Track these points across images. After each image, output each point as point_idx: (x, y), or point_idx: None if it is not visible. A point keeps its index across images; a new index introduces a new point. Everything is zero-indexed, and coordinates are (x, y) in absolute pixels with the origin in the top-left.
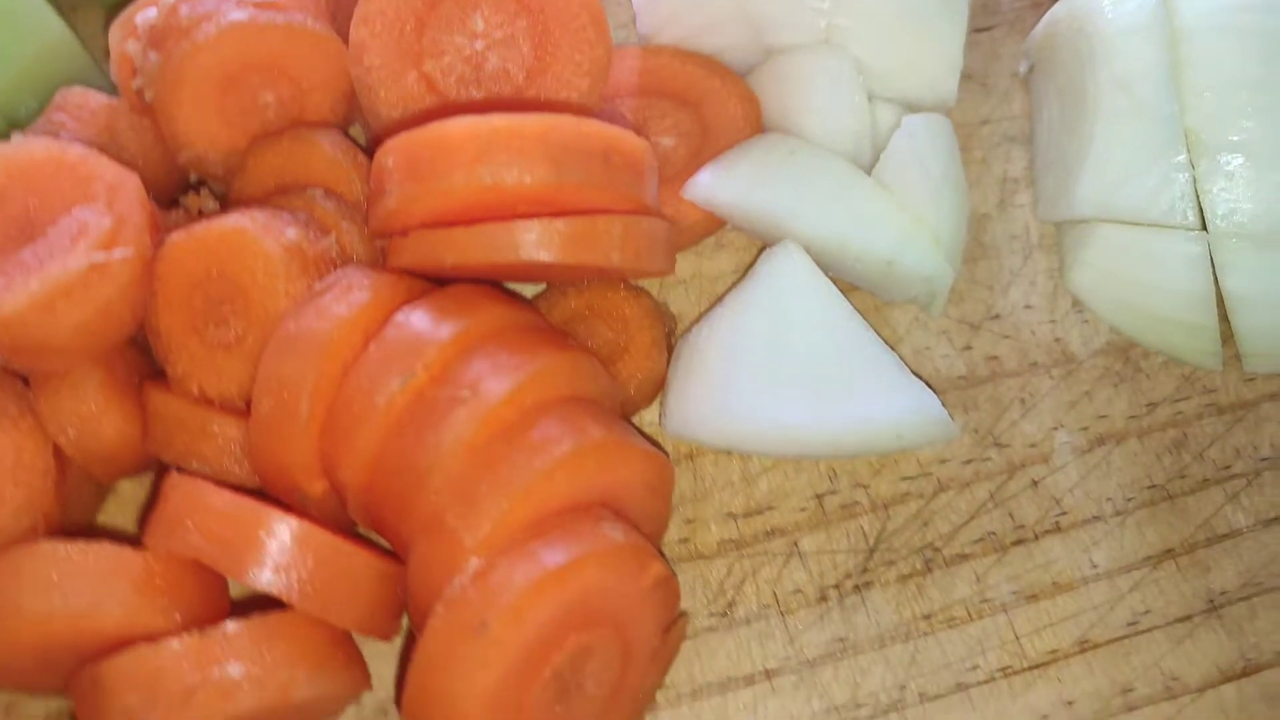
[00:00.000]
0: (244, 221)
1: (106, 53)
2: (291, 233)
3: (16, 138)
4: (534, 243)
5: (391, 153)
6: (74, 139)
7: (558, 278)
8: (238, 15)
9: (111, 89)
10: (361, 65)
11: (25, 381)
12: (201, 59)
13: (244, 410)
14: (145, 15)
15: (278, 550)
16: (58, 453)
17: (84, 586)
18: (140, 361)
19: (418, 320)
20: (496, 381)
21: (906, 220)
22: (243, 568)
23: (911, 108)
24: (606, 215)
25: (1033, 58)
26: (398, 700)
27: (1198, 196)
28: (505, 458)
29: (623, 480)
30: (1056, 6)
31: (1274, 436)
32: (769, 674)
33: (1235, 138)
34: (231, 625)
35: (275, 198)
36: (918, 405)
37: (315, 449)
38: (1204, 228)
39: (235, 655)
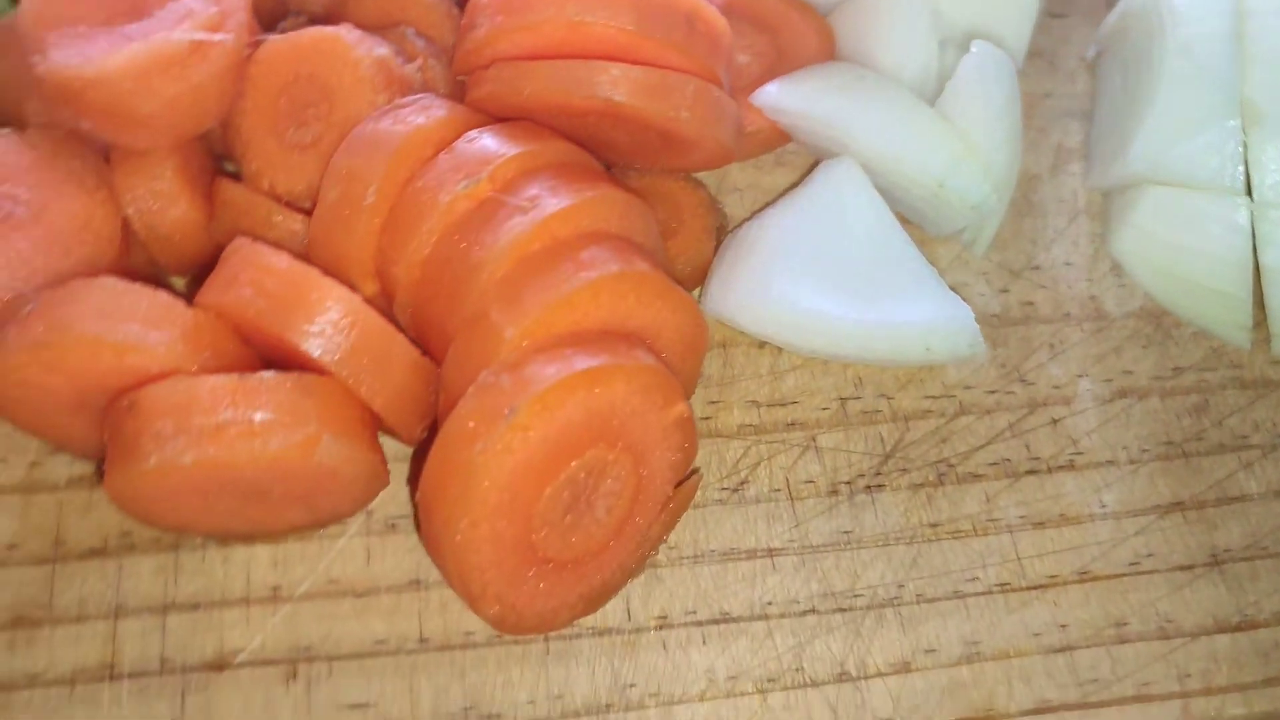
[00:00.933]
0: (340, 31)
1: None
2: (382, 50)
3: None
4: (610, 81)
5: None
6: None
7: (624, 146)
8: None
9: None
10: None
11: (106, 159)
12: None
13: (309, 210)
14: None
15: (326, 315)
16: (125, 229)
17: (136, 321)
18: (206, 161)
19: (488, 138)
20: (555, 199)
21: (961, 146)
22: (291, 325)
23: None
24: (681, 74)
25: (1102, 44)
26: (412, 482)
27: (1247, 164)
28: (554, 267)
29: (661, 322)
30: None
31: None
32: (771, 552)
33: None
34: (269, 374)
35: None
36: (950, 315)
37: (374, 244)
38: (1250, 195)
39: (269, 400)
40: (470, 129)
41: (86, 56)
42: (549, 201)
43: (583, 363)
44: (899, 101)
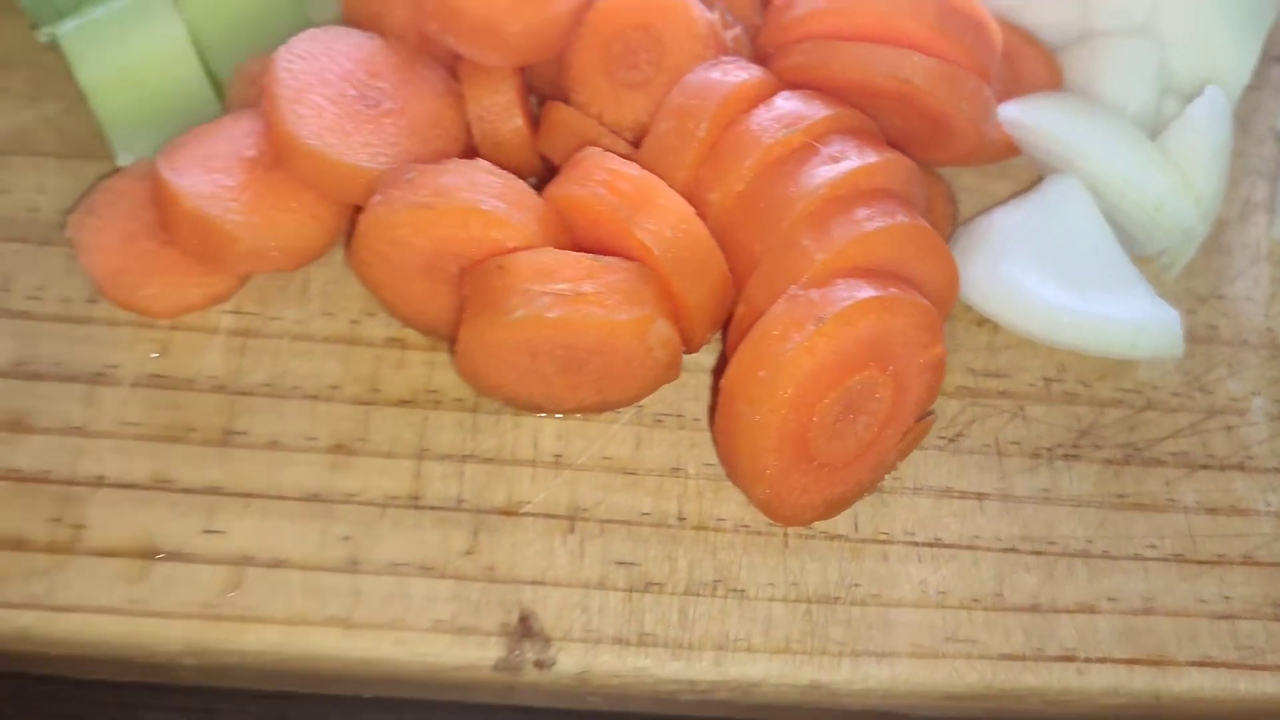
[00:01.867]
0: None
1: None
2: (712, 13)
3: None
4: (910, 66)
5: None
6: None
7: (895, 131)
8: None
9: None
10: None
11: (452, 73)
12: None
13: (627, 139)
14: None
15: (666, 218)
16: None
17: (503, 200)
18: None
19: (802, 100)
20: (859, 156)
21: (1179, 177)
22: (637, 221)
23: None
24: (966, 70)
25: None
26: (717, 374)
27: None
28: (855, 209)
29: (927, 274)
30: None
31: None
32: (980, 496)
33: None
34: (616, 259)
35: None
36: (1157, 316)
37: (694, 172)
38: None
39: (618, 278)
40: (779, 91)
41: None
42: (855, 156)
43: (877, 290)
44: (1126, 132)
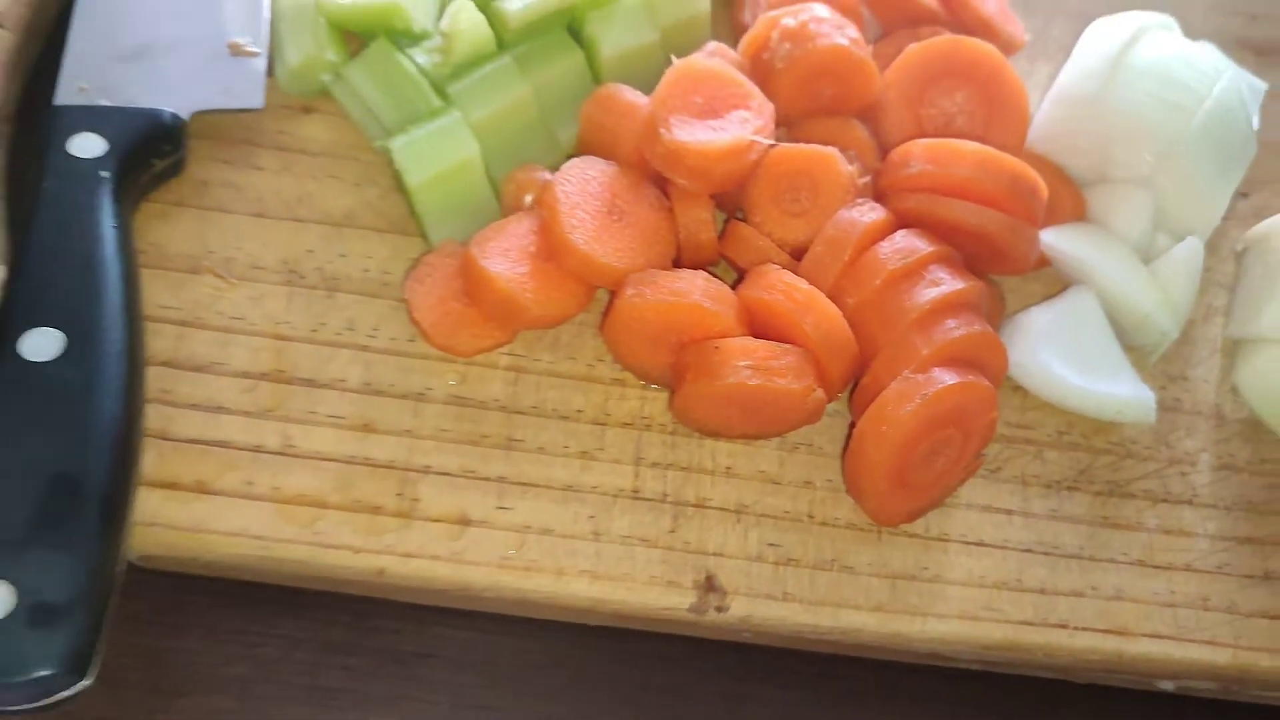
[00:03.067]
0: (827, 151)
1: None
2: (851, 166)
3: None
4: (993, 220)
5: (915, 148)
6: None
7: (967, 251)
8: (842, 41)
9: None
10: (886, 95)
11: (664, 192)
12: (809, 59)
13: (791, 253)
14: (787, 21)
15: (822, 317)
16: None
17: (714, 298)
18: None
19: (915, 236)
20: (952, 281)
21: (1164, 296)
22: (802, 318)
23: (1174, 237)
24: (1025, 221)
25: (1248, 243)
26: (855, 408)
27: None
28: (948, 319)
29: (991, 361)
30: (1269, 221)
31: None
32: (1009, 512)
33: None
34: (790, 346)
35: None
36: (1139, 394)
37: (836, 283)
38: None
39: (794, 360)
40: (896, 228)
41: (695, 138)
42: (949, 281)
43: (959, 378)
44: (1128, 259)
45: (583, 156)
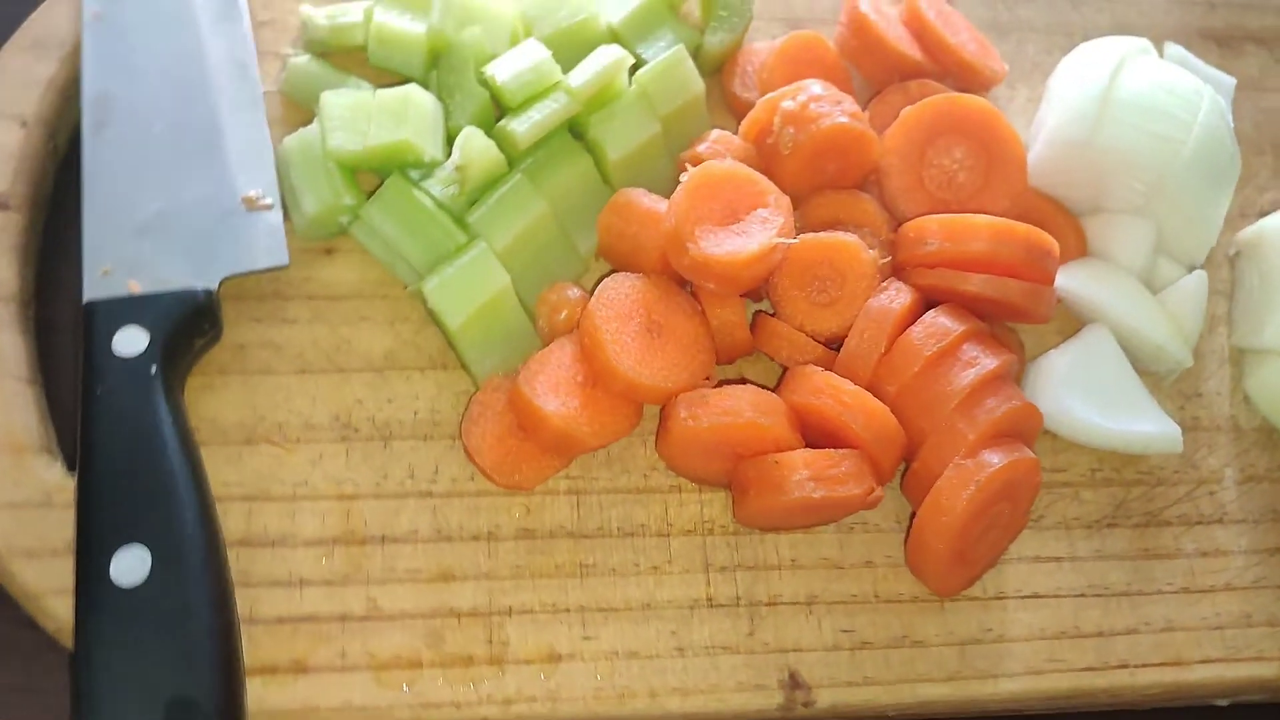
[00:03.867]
0: (849, 238)
1: None
2: (873, 251)
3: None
4: (1012, 289)
5: (930, 225)
6: (728, 156)
7: (987, 312)
8: (842, 119)
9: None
10: (887, 160)
11: (694, 295)
12: (813, 141)
13: (823, 343)
14: (787, 104)
15: (869, 415)
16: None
17: (765, 412)
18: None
19: (946, 316)
20: (987, 358)
21: (1175, 327)
22: (853, 419)
23: (1174, 261)
24: (1040, 284)
25: (1239, 247)
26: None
27: None
28: (988, 398)
29: (1030, 426)
30: (1260, 225)
31: None
32: (1057, 559)
33: None
34: (846, 450)
35: (836, 226)
36: (1164, 428)
37: (873, 371)
38: None
39: (851, 465)
40: (921, 307)
41: (722, 249)
42: (984, 358)
43: (1007, 456)
44: (1138, 293)
45: (614, 276)
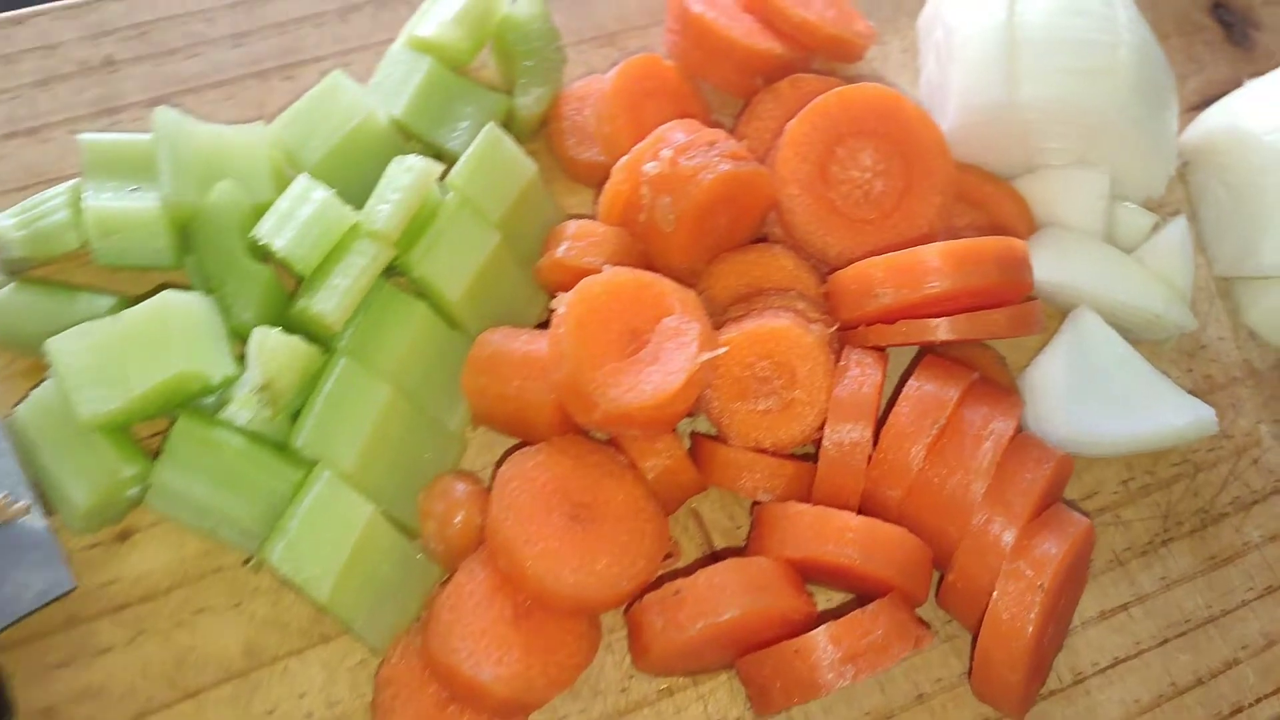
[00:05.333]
0: (783, 322)
1: None
2: (815, 327)
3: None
4: (991, 326)
5: (876, 268)
6: (593, 259)
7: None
8: (725, 165)
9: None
10: (786, 193)
11: (615, 444)
12: (702, 199)
13: (778, 454)
14: (649, 166)
15: (887, 547)
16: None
17: (761, 591)
18: None
19: (929, 385)
20: (1001, 420)
21: (1166, 288)
22: (870, 561)
23: (1129, 200)
24: (1019, 294)
25: (1186, 158)
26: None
27: None
28: (1019, 475)
29: (1064, 479)
30: (1203, 123)
31: None
32: (1124, 606)
33: None
34: (868, 608)
35: (754, 298)
36: (1194, 413)
37: (869, 478)
38: None
39: (882, 628)
40: (878, 367)
41: (639, 390)
42: (998, 426)
43: (1065, 541)
44: (1117, 261)
45: (511, 459)
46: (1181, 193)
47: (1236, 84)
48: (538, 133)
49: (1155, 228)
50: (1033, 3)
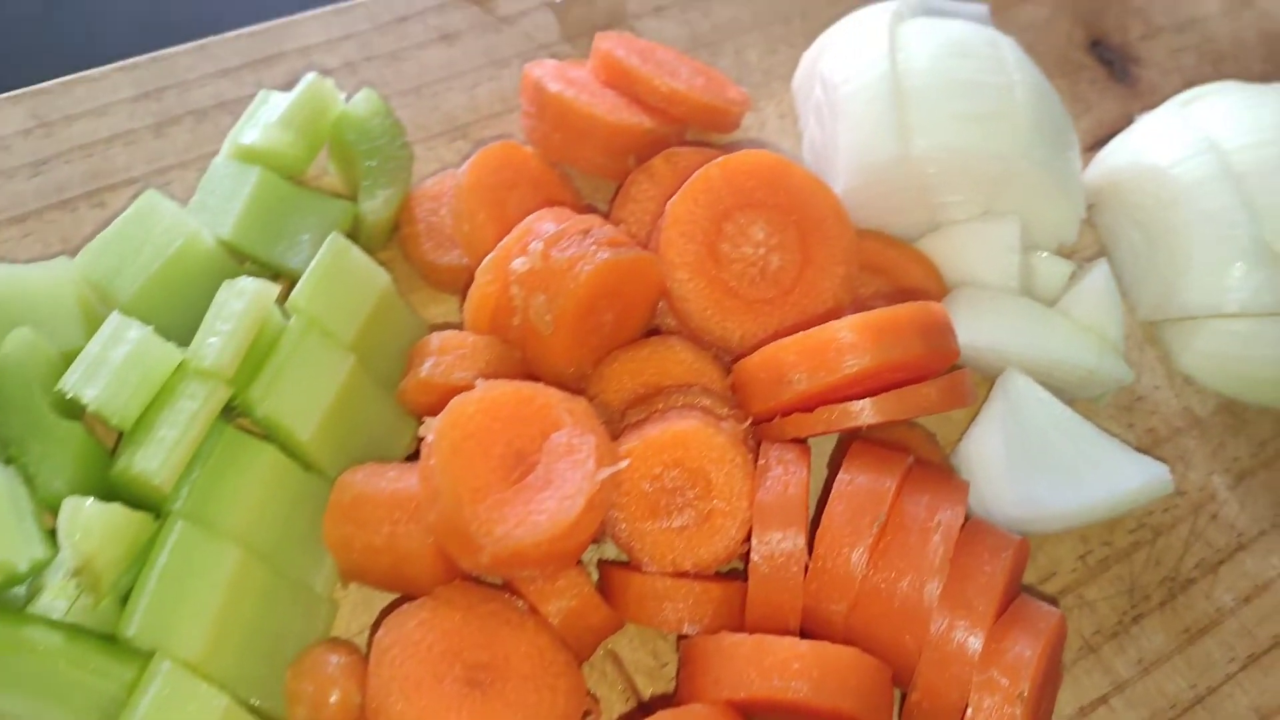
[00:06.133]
0: (693, 422)
1: None
2: (727, 424)
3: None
4: (921, 403)
5: (787, 351)
6: (464, 374)
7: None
8: (603, 254)
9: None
10: (675, 279)
11: (509, 590)
12: (582, 293)
13: (701, 575)
14: (519, 263)
15: (834, 675)
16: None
17: None
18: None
19: (861, 477)
20: (949, 512)
21: (1097, 339)
22: (820, 693)
23: (1042, 249)
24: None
25: (1090, 200)
26: None
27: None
28: (975, 568)
29: (1022, 564)
30: (1104, 162)
31: None
32: (1103, 699)
33: None
34: None
35: (653, 399)
36: (1150, 473)
37: (808, 593)
38: None
39: None
40: (802, 463)
41: (530, 524)
42: (944, 514)
43: (1040, 639)
44: (1039, 315)
45: (392, 617)
46: (1091, 237)
47: (1127, 121)
48: (390, 239)
49: (1073, 276)
50: (915, 49)
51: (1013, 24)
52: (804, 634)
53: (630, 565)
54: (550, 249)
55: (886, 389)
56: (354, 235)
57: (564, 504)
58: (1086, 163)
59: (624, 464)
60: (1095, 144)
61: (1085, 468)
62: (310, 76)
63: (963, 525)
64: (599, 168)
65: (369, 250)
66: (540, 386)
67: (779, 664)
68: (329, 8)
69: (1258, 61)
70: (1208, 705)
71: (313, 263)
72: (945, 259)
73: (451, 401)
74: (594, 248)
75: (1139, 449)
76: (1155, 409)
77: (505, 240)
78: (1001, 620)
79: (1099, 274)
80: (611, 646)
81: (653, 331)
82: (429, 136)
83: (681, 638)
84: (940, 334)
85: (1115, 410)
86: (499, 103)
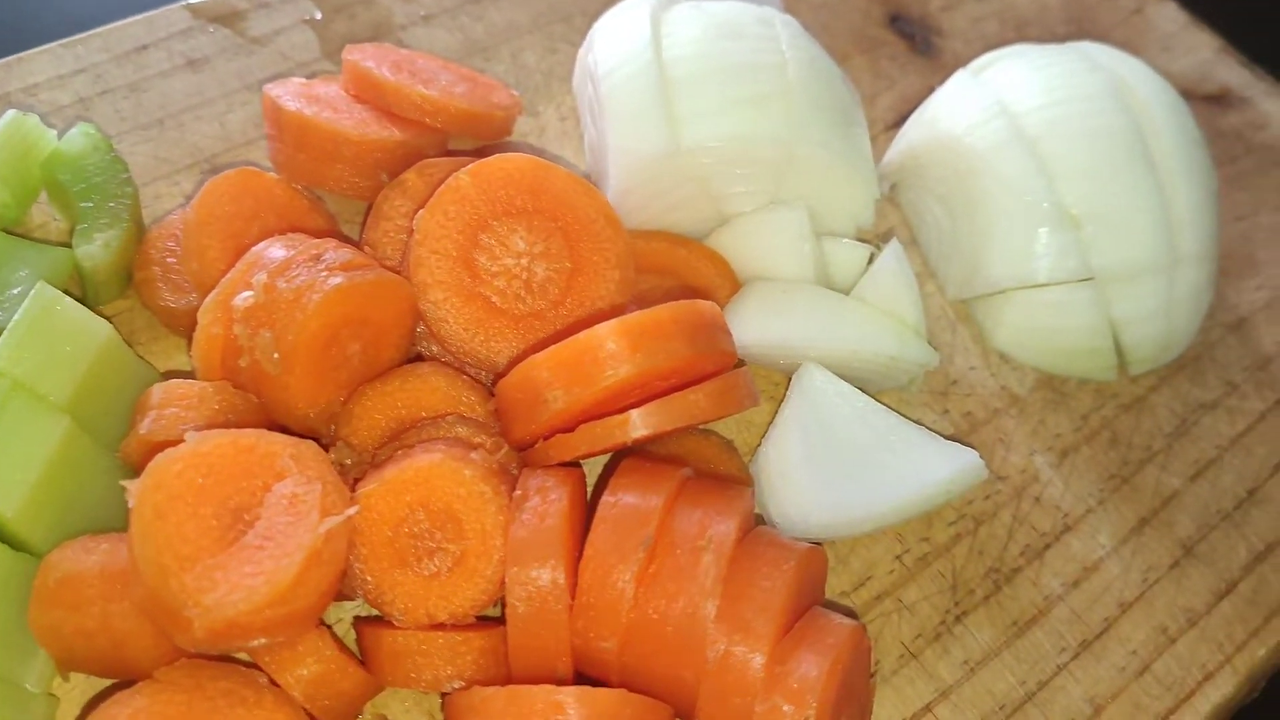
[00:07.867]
0: (435, 456)
1: None
2: (476, 455)
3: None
4: (708, 405)
5: (539, 368)
6: (189, 427)
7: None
8: (337, 280)
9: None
10: (429, 300)
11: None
12: (313, 325)
13: (459, 626)
14: (242, 297)
15: (600, 712)
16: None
17: None
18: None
19: (627, 496)
20: (721, 525)
21: (895, 323)
22: None
23: (838, 234)
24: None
25: (893, 179)
26: None
27: (1083, 257)
28: (756, 581)
29: (818, 571)
30: (903, 139)
31: (1166, 416)
32: (928, 708)
33: (1097, 209)
34: None
35: (406, 434)
36: (958, 461)
37: (574, 629)
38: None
39: None
40: (583, 487)
41: (247, 589)
42: (718, 526)
43: (829, 656)
44: (831, 303)
45: (100, 710)
46: (897, 218)
47: (930, 94)
48: (125, 285)
49: (872, 259)
50: (680, 34)
51: (806, 4)
52: (580, 678)
53: (384, 621)
54: (276, 279)
55: (658, 397)
56: (83, 284)
57: (282, 563)
58: (891, 140)
59: (351, 511)
60: (899, 121)
61: (890, 461)
62: (10, 115)
63: (740, 539)
64: (352, 188)
65: (100, 299)
66: (263, 433)
67: (538, 716)
68: (58, 41)
69: (1060, 24)
70: (1038, 701)
71: (13, 319)
72: (736, 254)
73: (153, 460)
74: (325, 274)
75: (956, 434)
76: (971, 391)
77: (230, 274)
78: (786, 639)
79: (890, 254)
80: (380, 709)
81: (416, 359)
82: (174, 171)
83: (445, 696)
84: (709, 334)
85: (929, 396)
86: (254, 129)
